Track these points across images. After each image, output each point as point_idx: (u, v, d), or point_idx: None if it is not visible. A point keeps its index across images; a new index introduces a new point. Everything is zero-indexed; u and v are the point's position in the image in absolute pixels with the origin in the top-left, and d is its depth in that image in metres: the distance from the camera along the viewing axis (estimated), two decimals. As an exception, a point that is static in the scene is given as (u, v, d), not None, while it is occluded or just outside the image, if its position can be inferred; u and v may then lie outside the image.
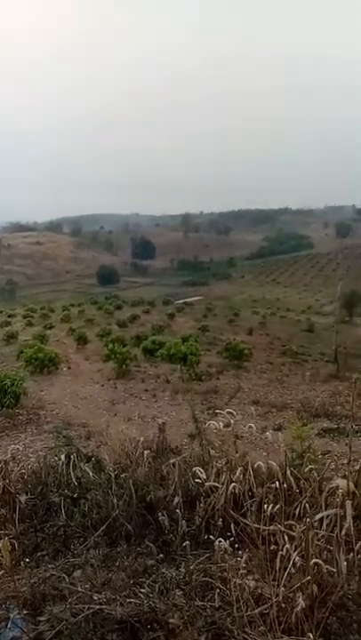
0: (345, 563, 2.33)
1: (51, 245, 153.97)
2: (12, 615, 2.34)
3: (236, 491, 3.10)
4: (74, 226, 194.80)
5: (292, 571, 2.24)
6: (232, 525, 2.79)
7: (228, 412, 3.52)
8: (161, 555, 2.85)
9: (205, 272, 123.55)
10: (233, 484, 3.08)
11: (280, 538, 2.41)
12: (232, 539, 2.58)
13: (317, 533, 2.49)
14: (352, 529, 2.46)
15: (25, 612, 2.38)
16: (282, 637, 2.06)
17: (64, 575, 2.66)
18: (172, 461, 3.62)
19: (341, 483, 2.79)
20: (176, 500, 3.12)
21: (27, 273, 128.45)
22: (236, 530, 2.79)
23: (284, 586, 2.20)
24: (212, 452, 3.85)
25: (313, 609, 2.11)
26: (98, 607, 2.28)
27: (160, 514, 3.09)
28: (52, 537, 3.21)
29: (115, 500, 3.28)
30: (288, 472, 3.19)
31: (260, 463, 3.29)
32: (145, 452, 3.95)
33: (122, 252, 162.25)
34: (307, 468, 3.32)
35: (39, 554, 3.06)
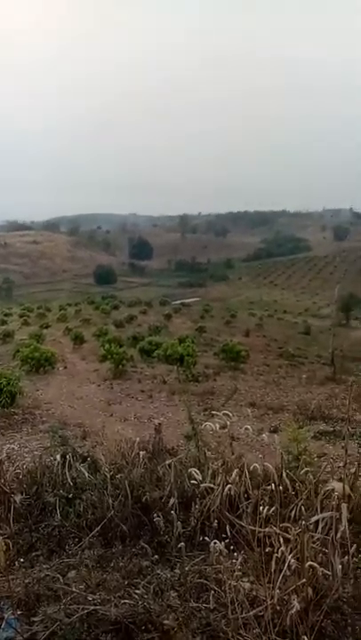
0: (340, 566, 2.33)
1: (48, 244, 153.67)
2: (5, 615, 2.33)
3: (232, 492, 3.10)
4: (71, 225, 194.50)
5: (288, 573, 2.24)
6: (227, 527, 2.78)
7: (225, 414, 3.52)
8: (156, 556, 2.85)
9: (203, 273, 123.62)
10: (229, 486, 3.08)
11: (275, 540, 2.41)
12: (227, 540, 2.58)
13: (313, 536, 2.49)
14: (347, 532, 2.46)
15: (19, 612, 2.37)
16: (276, 640, 2.06)
17: (58, 575, 2.65)
18: (167, 462, 3.62)
19: (337, 485, 2.79)
20: (172, 501, 3.12)
21: (23, 272, 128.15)
22: (231, 532, 2.79)
23: (280, 588, 2.20)
24: (209, 453, 3.85)
25: (308, 612, 2.11)
26: (92, 608, 2.28)
27: (155, 515, 3.08)
28: (47, 537, 3.20)
29: (110, 501, 3.27)
30: (284, 474, 3.19)
31: (256, 465, 3.29)
32: (141, 452, 3.95)
33: (119, 252, 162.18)
34: (303, 471, 3.32)
35: (34, 554, 3.05)
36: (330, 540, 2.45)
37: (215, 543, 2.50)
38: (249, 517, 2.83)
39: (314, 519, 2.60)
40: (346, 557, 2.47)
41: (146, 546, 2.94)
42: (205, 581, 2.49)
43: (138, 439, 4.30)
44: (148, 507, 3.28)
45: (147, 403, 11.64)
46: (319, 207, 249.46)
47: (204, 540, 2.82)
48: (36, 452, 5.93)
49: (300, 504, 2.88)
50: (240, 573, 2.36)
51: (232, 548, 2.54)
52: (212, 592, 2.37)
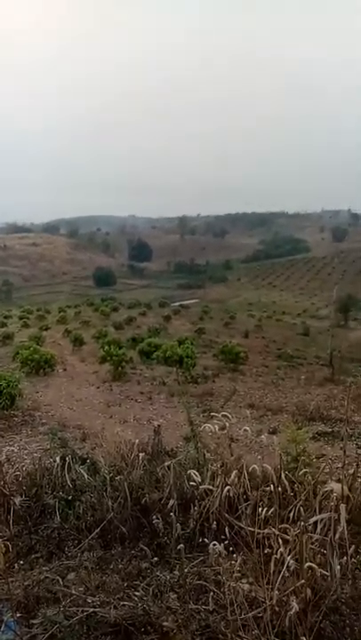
0: (338, 567, 2.33)
1: (47, 247, 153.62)
2: (5, 618, 2.33)
3: (231, 494, 3.10)
4: (71, 227, 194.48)
5: (286, 574, 2.25)
6: (226, 529, 2.79)
7: (224, 415, 3.52)
8: (155, 558, 2.85)
9: (202, 275, 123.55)
10: (228, 487, 3.08)
11: (274, 541, 2.42)
12: (226, 542, 2.58)
13: (311, 537, 2.50)
14: (346, 533, 2.47)
15: (18, 614, 2.37)
16: (275, 641, 2.06)
17: (58, 578, 2.65)
18: (167, 464, 3.62)
19: (336, 486, 2.80)
20: (171, 502, 3.12)
21: (23, 274, 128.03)
22: (230, 533, 2.79)
23: (278, 589, 2.21)
24: (208, 454, 3.86)
25: (306, 613, 2.12)
26: (92, 610, 2.28)
27: (155, 517, 3.09)
28: (47, 539, 3.21)
29: (109, 503, 3.28)
30: (283, 475, 3.20)
31: (255, 466, 3.29)
32: (140, 454, 3.95)
33: (118, 253, 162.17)
34: (301, 472, 3.33)
35: (33, 556, 3.05)
36: (328, 541, 2.46)
37: (214, 545, 2.51)
38: (248, 519, 2.84)
39: (313, 520, 2.61)
40: (344, 558, 2.47)
41: (145, 548, 2.95)
42: (205, 583, 2.49)
43: (137, 441, 4.30)
44: (147, 508, 3.29)
45: (146, 404, 11.63)
46: (318, 208, 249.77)
47: (203, 541, 2.83)
48: (35, 454, 5.92)
49: (298, 505, 2.88)
50: (239, 575, 2.36)
51: (231, 549, 2.55)
52: (212, 593, 2.38)
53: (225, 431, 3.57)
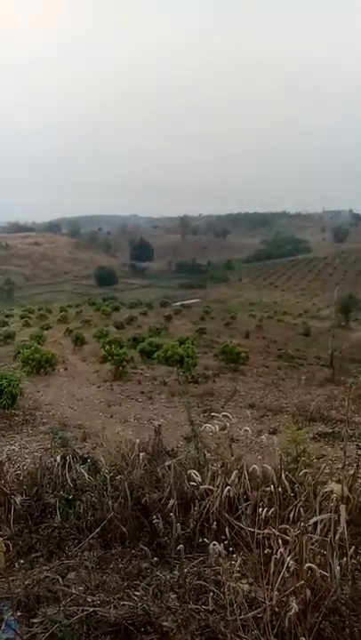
0: (338, 567, 2.34)
1: (49, 246, 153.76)
2: (5, 617, 2.34)
3: (231, 494, 3.10)
4: (72, 227, 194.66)
5: (286, 575, 2.25)
6: (227, 529, 2.79)
7: (224, 415, 3.53)
8: (155, 557, 2.85)
9: (203, 275, 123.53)
10: (228, 488, 3.09)
11: (274, 542, 2.42)
12: (226, 542, 2.59)
13: (311, 538, 2.50)
14: (346, 534, 2.47)
15: (19, 613, 2.38)
16: (275, 641, 2.07)
17: (58, 577, 2.66)
18: (167, 464, 3.63)
19: (336, 487, 2.80)
20: (171, 502, 3.13)
21: (25, 273, 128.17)
22: (230, 533, 2.80)
23: (278, 590, 2.21)
24: (208, 454, 3.86)
25: (306, 613, 2.12)
26: (92, 609, 2.29)
27: (155, 516, 3.09)
28: (47, 538, 3.21)
29: (110, 502, 3.28)
30: (283, 476, 3.20)
31: (256, 467, 3.30)
32: (141, 454, 3.95)
33: (120, 253, 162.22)
34: (301, 472, 3.33)
35: (33, 555, 3.06)
36: (328, 542, 2.46)
37: (214, 545, 2.51)
38: (248, 519, 2.84)
39: (313, 521, 2.61)
40: (344, 559, 2.47)
41: (145, 547, 2.95)
42: (204, 583, 2.50)
43: (138, 441, 4.31)
44: (147, 508, 3.29)
45: (147, 404, 11.64)
46: (319, 208, 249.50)
47: (203, 541, 2.83)
48: (36, 454, 5.93)
49: (298, 506, 2.89)
50: (239, 575, 2.36)
51: (231, 549, 2.55)
52: (211, 594, 2.38)
53: (225, 431, 3.57)
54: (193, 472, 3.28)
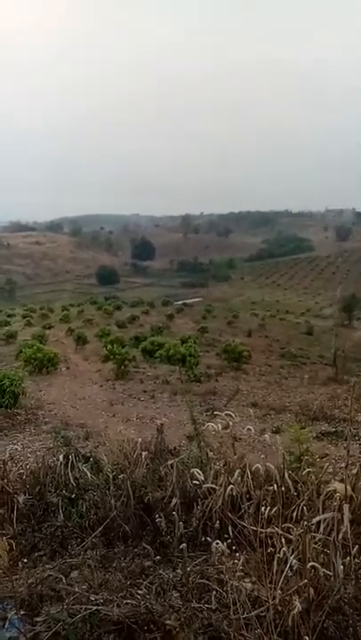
0: (342, 566, 2.33)
1: (50, 245, 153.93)
2: (9, 615, 2.34)
3: (234, 493, 3.10)
4: (74, 226, 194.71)
5: (289, 574, 2.25)
6: (229, 527, 2.79)
7: (227, 414, 3.53)
8: (158, 556, 2.85)
9: (205, 273, 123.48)
10: (231, 486, 3.08)
11: (277, 540, 2.41)
12: (229, 541, 2.59)
13: (314, 537, 2.50)
14: (349, 533, 2.46)
15: (22, 612, 2.38)
16: (278, 640, 2.06)
17: (61, 576, 2.66)
18: (170, 463, 3.63)
19: (339, 486, 2.79)
20: (174, 501, 3.13)
21: (26, 273, 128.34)
22: (233, 532, 2.80)
23: (281, 589, 2.21)
24: (211, 453, 3.86)
25: (309, 612, 2.12)
26: (95, 608, 2.29)
27: (158, 515, 3.09)
28: (50, 537, 3.22)
29: (112, 501, 3.28)
30: (286, 475, 3.20)
31: (258, 465, 3.29)
32: (143, 453, 3.95)
33: (122, 252, 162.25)
34: (305, 471, 3.33)
35: (37, 554, 3.07)
36: (332, 541, 2.45)
37: (217, 543, 2.51)
38: (251, 518, 2.84)
39: (316, 520, 2.61)
40: (348, 558, 2.47)
41: (148, 546, 2.95)
42: (207, 582, 2.50)
43: (140, 440, 4.31)
44: (150, 507, 3.29)
45: (149, 403, 11.65)
46: (322, 207, 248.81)
47: (206, 540, 2.83)
48: (38, 453, 5.94)
49: (301, 505, 2.88)
50: (242, 574, 2.36)
51: (234, 548, 2.55)
52: (214, 592, 2.38)
53: (228, 430, 3.57)
54: (196, 471, 3.28)
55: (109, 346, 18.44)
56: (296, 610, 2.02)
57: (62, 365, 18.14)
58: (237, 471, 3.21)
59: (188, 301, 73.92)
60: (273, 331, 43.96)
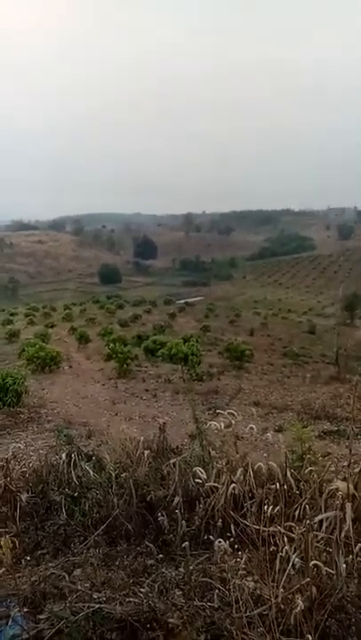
0: (344, 565, 2.33)
1: (53, 244, 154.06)
2: (12, 613, 2.35)
3: (237, 491, 3.10)
4: (76, 225, 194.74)
5: (292, 572, 2.25)
6: (232, 526, 2.80)
7: (229, 413, 3.53)
8: (161, 554, 2.86)
9: (207, 272, 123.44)
10: (233, 485, 3.09)
11: (280, 539, 2.42)
12: (232, 539, 2.59)
13: (317, 535, 2.50)
14: (351, 531, 2.47)
15: (25, 609, 2.39)
16: (281, 639, 2.07)
17: (64, 574, 2.67)
18: (172, 461, 3.63)
19: (341, 485, 2.80)
20: (176, 500, 3.13)
21: (29, 271, 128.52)
22: (235, 530, 2.80)
23: (284, 587, 2.21)
24: (213, 452, 3.85)
25: (312, 611, 2.12)
26: (97, 606, 2.30)
27: (160, 514, 3.09)
28: (53, 535, 3.23)
29: (115, 500, 3.29)
30: (288, 473, 3.19)
31: (261, 464, 3.29)
32: (145, 451, 3.96)
33: (124, 251, 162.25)
34: (307, 470, 3.32)
35: (40, 552, 3.08)
36: (334, 540, 2.46)
37: (220, 542, 2.51)
38: (253, 516, 2.84)
39: (318, 518, 2.61)
40: (350, 557, 2.47)
41: (150, 545, 2.96)
42: (210, 580, 2.50)
43: (142, 438, 4.31)
44: (152, 505, 3.29)
45: (151, 402, 11.66)
46: (323, 206, 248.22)
47: (208, 538, 2.83)
48: (41, 451, 5.95)
49: (304, 503, 2.88)
50: (244, 572, 2.36)
51: (236, 546, 2.55)
52: (217, 591, 2.38)
53: (230, 429, 3.57)
54: (198, 469, 3.29)
55: (112, 344, 18.47)
56: (299, 608, 2.03)
57: (65, 364, 18.16)
58: (240, 470, 3.21)
59: (190, 300, 73.92)
60: (275, 329, 43.92)
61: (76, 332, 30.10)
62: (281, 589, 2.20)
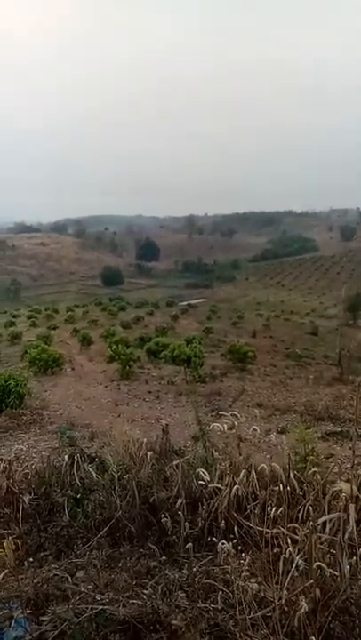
0: (348, 566, 2.32)
1: (55, 246, 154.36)
2: (15, 614, 2.35)
3: (240, 493, 3.10)
4: (78, 227, 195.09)
5: (295, 574, 2.24)
6: (235, 528, 2.79)
7: (232, 415, 3.52)
8: (164, 556, 2.85)
9: (209, 274, 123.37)
10: (236, 487, 3.08)
11: (283, 541, 2.41)
12: (235, 541, 2.58)
13: (320, 537, 2.49)
14: (355, 533, 2.45)
15: (28, 611, 2.39)
16: (284, 640, 2.06)
17: (67, 575, 2.67)
18: (175, 463, 3.63)
19: (345, 486, 2.78)
20: (179, 501, 3.12)
21: (31, 273, 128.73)
22: (239, 532, 2.79)
23: (287, 589, 2.20)
24: (216, 454, 3.85)
25: (316, 613, 2.11)
26: (101, 608, 2.29)
27: (163, 515, 3.09)
28: (56, 537, 3.23)
29: (118, 501, 3.29)
30: (291, 475, 3.19)
31: (264, 466, 3.29)
32: (148, 453, 3.96)
33: (126, 253, 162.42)
34: (310, 472, 3.31)
35: (42, 554, 3.07)
36: (338, 541, 2.45)
37: (223, 544, 2.51)
38: (257, 518, 2.84)
39: (322, 520, 2.60)
40: (354, 558, 2.46)
41: (154, 546, 2.95)
42: (213, 582, 2.49)
43: (145, 440, 4.31)
44: (155, 507, 3.29)
45: (154, 403, 11.65)
46: (326, 207, 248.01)
47: (211, 540, 2.83)
48: (44, 453, 5.95)
49: (307, 505, 2.87)
50: (248, 574, 2.36)
51: (240, 548, 2.54)
52: (220, 592, 2.37)
53: (233, 430, 3.57)
54: (201, 471, 3.28)
55: (114, 346, 18.46)
56: (302, 610, 2.02)
57: (67, 366, 18.18)
58: (243, 471, 3.21)
59: (192, 302, 73.91)
60: (278, 331, 43.84)
61: (78, 333, 30.14)
62: (285, 591, 2.19)
